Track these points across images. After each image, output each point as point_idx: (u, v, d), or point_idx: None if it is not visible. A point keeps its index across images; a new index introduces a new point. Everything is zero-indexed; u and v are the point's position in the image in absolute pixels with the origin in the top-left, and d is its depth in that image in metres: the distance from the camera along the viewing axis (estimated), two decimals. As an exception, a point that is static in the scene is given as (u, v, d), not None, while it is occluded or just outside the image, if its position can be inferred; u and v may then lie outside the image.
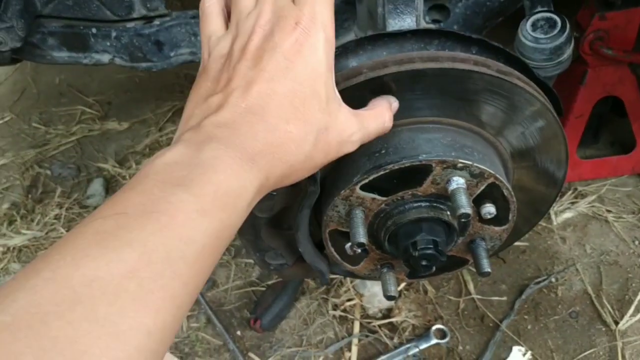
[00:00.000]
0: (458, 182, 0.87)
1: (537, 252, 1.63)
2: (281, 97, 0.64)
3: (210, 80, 0.66)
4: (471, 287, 1.56)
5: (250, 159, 0.60)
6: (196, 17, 1.41)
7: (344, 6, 1.22)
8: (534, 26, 1.01)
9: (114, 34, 1.41)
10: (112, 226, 0.51)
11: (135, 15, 1.38)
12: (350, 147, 0.73)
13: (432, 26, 1.12)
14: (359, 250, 0.90)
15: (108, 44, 1.42)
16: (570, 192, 1.74)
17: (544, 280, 1.55)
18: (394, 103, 0.82)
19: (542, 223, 1.68)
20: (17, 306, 0.44)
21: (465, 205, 0.84)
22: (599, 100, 1.65)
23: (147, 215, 0.52)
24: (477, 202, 0.92)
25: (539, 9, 1.03)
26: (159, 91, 2.37)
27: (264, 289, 1.62)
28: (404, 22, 0.96)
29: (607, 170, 1.75)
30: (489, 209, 0.92)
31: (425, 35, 0.90)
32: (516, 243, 1.64)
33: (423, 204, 0.91)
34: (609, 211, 1.69)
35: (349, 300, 1.56)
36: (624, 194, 1.74)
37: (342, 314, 1.54)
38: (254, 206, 0.62)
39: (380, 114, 0.78)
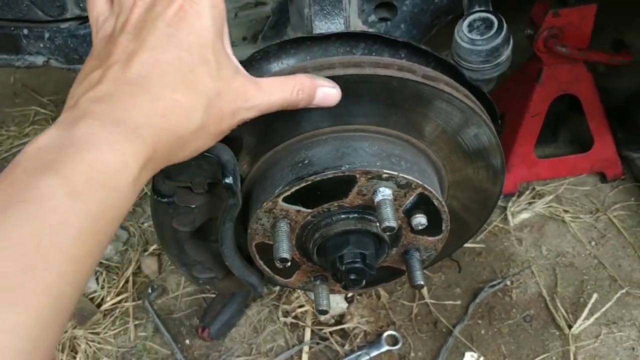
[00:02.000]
0: (384, 193, 0.83)
1: (493, 254, 1.60)
2: (165, 66, 0.60)
3: (94, 59, 0.64)
4: (425, 291, 1.53)
5: (132, 132, 0.57)
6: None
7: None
8: (470, 27, 0.97)
9: (47, 35, 1.35)
10: None
11: (68, 16, 1.32)
12: (247, 114, 0.69)
13: (369, 29, 1.07)
14: (284, 265, 0.86)
15: (41, 45, 1.36)
16: (528, 191, 1.71)
17: (498, 283, 1.52)
18: (325, 87, 0.75)
19: (499, 224, 1.65)
20: None
21: (389, 218, 0.80)
22: (555, 98, 1.62)
23: (12, 206, 0.50)
24: (408, 212, 0.88)
25: (477, 8, 0.99)
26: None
27: (214, 295, 1.57)
28: (332, 24, 0.92)
29: (566, 170, 1.72)
30: (420, 220, 0.88)
31: (350, 39, 0.86)
32: (472, 245, 1.61)
33: (351, 216, 0.87)
34: (566, 211, 1.66)
35: (300, 306, 1.52)
36: (582, 193, 1.71)
37: (294, 320, 1.50)
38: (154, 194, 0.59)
39: (286, 84, 0.72)
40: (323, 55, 0.86)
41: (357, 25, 1.06)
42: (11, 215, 0.49)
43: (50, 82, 2.39)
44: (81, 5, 1.31)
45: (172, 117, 0.60)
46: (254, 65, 0.86)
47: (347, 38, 0.86)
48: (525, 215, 1.66)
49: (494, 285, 1.52)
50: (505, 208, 1.68)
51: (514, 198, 1.69)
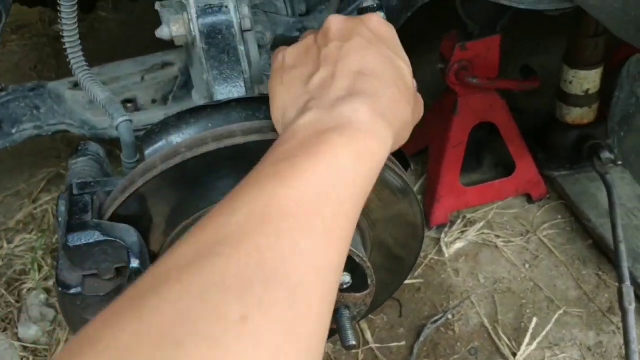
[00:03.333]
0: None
1: (432, 288, 1.59)
2: (379, 58, 0.67)
3: (298, 67, 0.69)
4: (369, 335, 1.50)
5: (381, 114, 0.61)
6: (35, 89, 1.30)
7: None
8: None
9: None
10: (286, 166, 0.53)
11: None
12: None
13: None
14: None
15: None
16: (459, 220, 1.72)
17: (440, 318, 1.51)
18: None
19: (435, 256, 1.66)
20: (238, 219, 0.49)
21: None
22: (474, 127, 1.65)
23: (314, 156, 0.54)
24: (331, 271, 0.86)
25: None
26: (34, 157, 2.21)
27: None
28: (233, 87, 0.90)
29: (492, 195, 1.75)
30: (343, 278, 0.86)
31: (251, 102, 0.84)
32: (411, 281, 1.61)
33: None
34: (497, 236, 1.68)
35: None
36: (511, 216, 1.74)
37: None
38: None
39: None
40: (225, 122, 0.83)
41: (262, 78, 1.04)
42: (318, 164, 0.53)
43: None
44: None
45: (399, 105, 0.65)
46: (153, 138, 0.83)
47: (247, 102, 0.84)
48: (459, 245, 1.67)
49: (436, 321, 1.51)
50: (438, 239, 1.69)
51: (446, 229, 1.70)
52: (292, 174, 0.52)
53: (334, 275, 0.51)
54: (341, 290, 0.88)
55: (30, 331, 1.60)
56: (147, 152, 0.83)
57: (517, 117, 1.72)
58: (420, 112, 0.75)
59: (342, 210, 0.53)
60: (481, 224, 1.70)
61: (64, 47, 1.05)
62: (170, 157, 0.77)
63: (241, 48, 0.88)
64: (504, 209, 1.75)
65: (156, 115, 1.27)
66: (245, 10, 0.88)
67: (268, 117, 0.86)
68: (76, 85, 1.30)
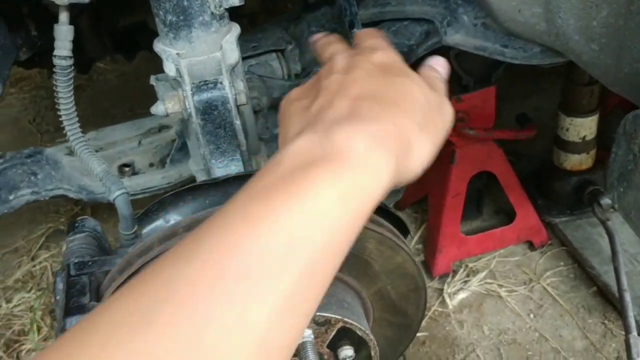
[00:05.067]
0: (304, 334, 0.80)
1: (437, 341, 1.57)
2: (381, 83, 0.63)
3: (301, 99, 0.65)
4: (373, 393, 1.47)
5: (379, 139, 0.55)
6: (32, 155, 1.30)
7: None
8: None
9: None
10: (259, 207, 0.48)
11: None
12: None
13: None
14: None
15: None
16: (461, 270, 1.71)
17: (446, 373, 1.49)
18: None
19: (438, 308, 1.64)
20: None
21: (311, 363, 0.76)
22: (472, 176, 1.65)
23: (292, 196, 0.48)
24: (333, 345, 0.84)
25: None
26: (33, 213, 2.21)
27: None
28: (230, 161, 0.90)
29: (494, 243, 1.73)
30: (347, 352, 0.84)
31: (248, 179, 0.84)
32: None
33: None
34: (500, 286, 1.66)
35: None
36: (513, 264, 1.72)
37: None
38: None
39: None
40: (223, 198, 0.83)
41: (259, 147, 1.04)
42: (293, 205, 0.48)
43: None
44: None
45: (401, 133, 0.58)
46: (150, 217, 0.83)
47: (245, 178, 0.83)
48: (462, 295, 1.65)
49: (442, 376, 1.48)
50: (441, 290, 1.67)
51: (448, 279, 1.68)
52: (263, 217, 0.47)
53: (286, 355, 0.45)
54: (344, 364, 0.86)
55: (27, 395, 1.58)
56: (144, 231, 0.83)
57: (515, 163, 1.72)
58: (444, 124, 0.66)
59: (315, 267, 0.47)
60: (484, 273, 1.69)
61: (60, 118, 1.06)
62: (168, 238, 0.76)
63: (237, 122, 0.88)
64: (505, 257, 1.74)
65: (154, 178, 1.27)
66: (240, 85, 0.89)
67: (266, 191, 0.86)
68: (72, 152, 1.31)
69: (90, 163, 1.00)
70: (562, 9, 1.11)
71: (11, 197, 1.30)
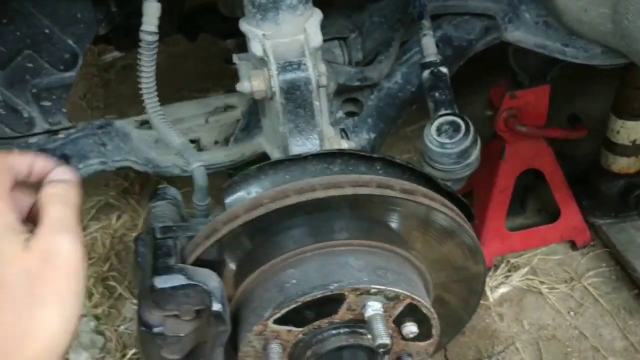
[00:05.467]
0: (374, 307, 0.83)
1: (477, 332, 1.60)
2: None
3: None
4: (413, 377, 1.51)
5: None
6: (103, 127, 1.36)
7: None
8: (439, 130, 1.01)
9: (16, 150, 1.34)
10: None
11: (37, 130, 1.32)
12: None
13: (344, 143, 1.07)
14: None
15: (10, 161, 1.35)
16: (503, 265, 1.73)
17: (485, 363, 1.52)
18: None
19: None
20: None
21: (382, 335, 0.80)
22: (520, 173, 1.67)
23: None
24: (398, 322, 0.88)
25: (443, 112, 1.03)
26: (84, 186, 2.27)
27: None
28: (307, 139, 0.94)
29: (537, 240, 1.76)
30: (411, 329, 0.88)
31: (327, 156, 0.88)
32: (455, 324, 1.61)
33: (342, 331, 0.87)
34: (542, 282, 1.68)
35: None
36: (555, 262, 1.74)
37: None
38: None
39: None
40: (302, 174, 0.87)
41: (331, 132, 1.08)
42: None
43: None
44: (50, 120, 1.31)
45: None
46: (234, 188, 0.87)
47: (323, 156, 0.88)
48: (503, 290, 1.68)
49: (481, 366, 1.51)
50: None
51: (490, 273, 1.71)
52: None
53: None
54: (407, 339, 0.90)
55: (80, 357, 1.64)
56: (227, 200, 0.88)
57: (562, 164, 1.74)
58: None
59: None
60: (525, 269, 1.71)
61: (140, 91, 1.11)
62: (253, 207, 0.81)
63: (316, 103, 0.93)
64: (547, 255, 1.76)
65: (218, 155, 1.31)
66: (322, 67, 0.93)
67: (342, 170, 0.90)
68: (142, 124, 1.36)
69: (169, 136, 1.05)
70: (630, 11, 1.12)
71: (80, 166, 1.36)
